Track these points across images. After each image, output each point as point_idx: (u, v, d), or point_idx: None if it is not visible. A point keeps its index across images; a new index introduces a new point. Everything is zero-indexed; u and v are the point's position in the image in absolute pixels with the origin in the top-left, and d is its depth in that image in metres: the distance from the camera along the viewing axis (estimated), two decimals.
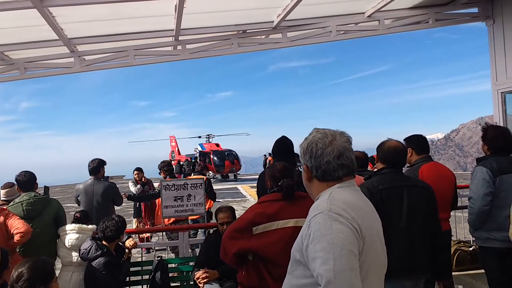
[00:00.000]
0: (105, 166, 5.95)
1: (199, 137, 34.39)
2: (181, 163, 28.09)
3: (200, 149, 31.34)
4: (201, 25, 5.37)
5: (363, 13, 5.88)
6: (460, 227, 6.39)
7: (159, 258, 4.50)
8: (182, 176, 27.07)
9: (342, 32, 5.96)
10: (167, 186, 5.25)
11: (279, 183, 2.61)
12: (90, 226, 4.76)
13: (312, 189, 1.83)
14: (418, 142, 4.50)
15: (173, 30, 5.11)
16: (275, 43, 5.78)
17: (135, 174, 8.08)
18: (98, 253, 4.26)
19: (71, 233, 4.63)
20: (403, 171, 3.69)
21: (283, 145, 4.31)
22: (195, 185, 5.30)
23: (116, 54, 5.43)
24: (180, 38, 5.51)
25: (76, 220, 4.73)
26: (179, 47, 5.56)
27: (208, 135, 33.72)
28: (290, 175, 2.69)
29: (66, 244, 4.60)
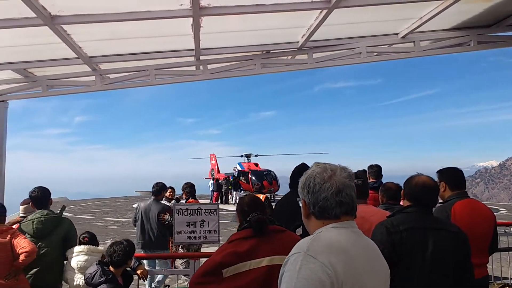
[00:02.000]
0: (165, 190, 6.87)
1: (241, 156, 34.51)
2: (220, 181, 28.20)
3: (239, 168, 31.33)
4: (222, 45, 5.21)
5: (397, 34, 5.51)
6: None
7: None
8: (219, 194, 27.41)
9: (374, 53, 5.61)
10: (180, 210, 5.04)
11: (248, 218, 2.33)
12: (100, 248, 4.61)
13: (310, 226, 1.73)
14: (452, 176, 4.08)
15: (193, 49, 4.97)
16: (300, 64, 5.51)
17: (169, 193, 8.07)
18: (102, 279, 4.08)
19: (80, 255, 4.49)
20: (433, 209, 3.28)
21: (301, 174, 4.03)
22: (209, 210, 5.06)
23: (136, 74, 5.36)
24: (202, 57, 5.37)
25: (84, 243, 4.59)
26: (200, 67, 5.41)
27: (247, 154, 33.73)
28: (260, 208, 2.39)
29: (74, 266, 4.45)
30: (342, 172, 1.66)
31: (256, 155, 33.98)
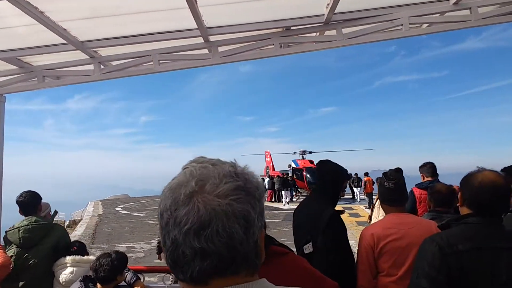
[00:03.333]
0: None
1: (294, 153, 33.81)
2: (274, 179, 27.76)
3: (293, 165, 30.72)
4: (232, 22, 4.41)
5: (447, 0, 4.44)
6: None
7: None
8: (273, 192, 26.81)
9: (418, 25, 4.58)
10: None
11: None
12: (86, 257, 4.02)
13: None
14: None
15: (196, 29, 4.23)
16: (328, 41, 4.59)
17: None
18: None
19: (64, 268, 3.93)
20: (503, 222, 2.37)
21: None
22: None
23: (138, 60, 4.70)
24: (211, 38, 4.61)
25: (72, 253, 4.03)
26: (211, 50, 4.65)
27: (302, 151, 32.95)
28: None
29: (60, 280, 3.90)
30: (222, 180, 0.88)
31: (310, 152, 33.10)
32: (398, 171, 3.36)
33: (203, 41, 4.59)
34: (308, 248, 3.10)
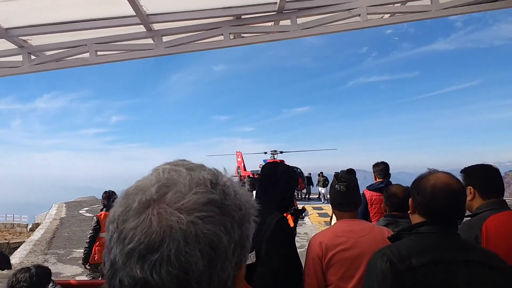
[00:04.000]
0: None
1: (265, 153, 33.49)
2: (243, 180, 27.38)
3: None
4: (176, 9, 4.01)
5: None
6: None
7: None
8: None
9: (377, 15, 4.30)
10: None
11: None
12: (6, 272, 3.56)
13: None
14: (484, 178, 2.85)
15: (135, 16, 3.81)
16: (281, 31, 4.25)
17: None
18: None
19: None
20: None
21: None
22: None
23: (72, 50, 4.23)
24: (155, 27, 4.19)
25: None
26: (154, 40, 4.23)
27: (273, 151, 32.66)
28: None
29: None
30: (191, 189, 0.66)
31: (281, 152, 32.88)
32: (351, 172, 3.06)
33: (145, 29, 4.17)
34: (250, 258, 2.74)
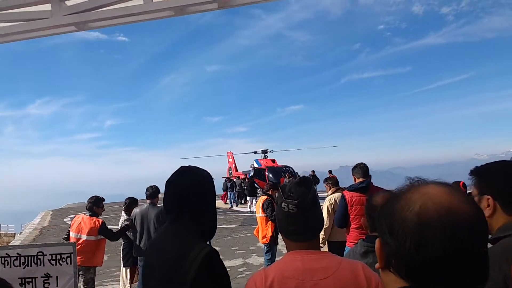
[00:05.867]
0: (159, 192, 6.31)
1: (255, 152, 32.52)
2: (233, 180, 26.35)
3: (255, 165, 29.51)
4: None
5: None
6: None
7: None
8: (226, 194, 25.32)
9: None
10: (7, 259, 2.79)
11: None
12: None
13: None
14: (509, 182, 1.80)
15: None
16: None
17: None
18: None
19: None
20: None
21: None
22: (58, 257, 2.81)
23: None
24: None
25: None
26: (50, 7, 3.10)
27: (264, 150, 31.67)
28: None
29: None
30: None
31: (271, 151, 31.87)
32: (305, 183, 1.92)
33: None
34: None
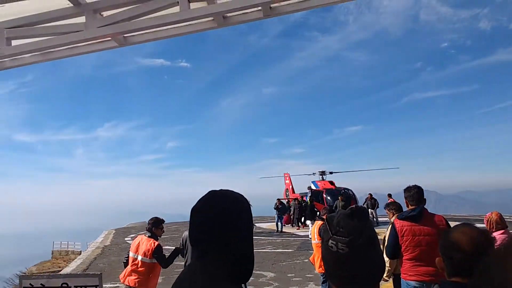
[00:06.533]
0: None
1: (313, 174, 31.57)
2: (289, 203, 25.77)
3: (313, 187, 28.65)
4: None
5: None
6: None
7: None
8: (283, 217, 24.56)
9: None
10: None
11: None
12: None
13: None
14: None
15: None
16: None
17: None
18: None
19: None
20: None
21: None
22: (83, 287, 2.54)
23: None
24: None
25: None
26: (84, 19, 2.95)
27: (322, 171, 30.70)
28: None
29: None
30: None
31: (331, 172, 30.82)
32: (358, 214, 1.47)
33: (71, 4, 2.90)
34: None
